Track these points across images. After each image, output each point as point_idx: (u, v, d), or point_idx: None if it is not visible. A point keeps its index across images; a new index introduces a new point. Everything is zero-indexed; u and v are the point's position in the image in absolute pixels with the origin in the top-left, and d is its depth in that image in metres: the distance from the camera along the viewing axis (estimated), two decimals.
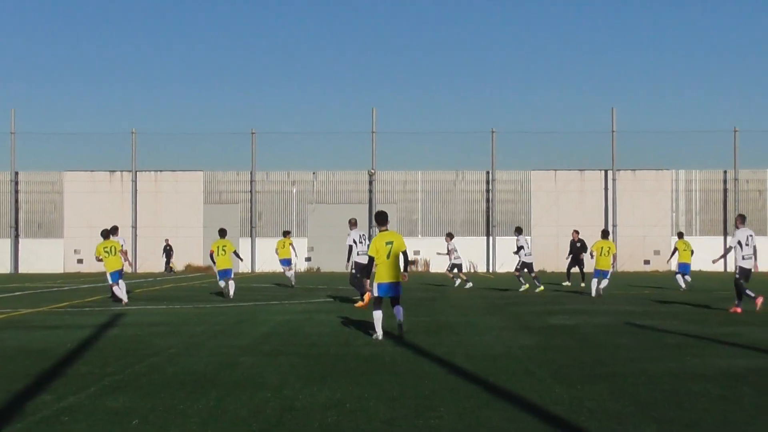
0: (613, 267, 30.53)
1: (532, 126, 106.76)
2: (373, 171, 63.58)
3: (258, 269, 62.96)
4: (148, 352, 14.11)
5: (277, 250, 38.70)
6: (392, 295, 16.45)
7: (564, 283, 39.25)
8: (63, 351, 14.33)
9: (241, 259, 36.02)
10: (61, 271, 63.48)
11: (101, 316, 21.54)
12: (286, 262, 38.32)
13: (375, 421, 8.69)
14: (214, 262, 29.76)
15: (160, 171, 65.46)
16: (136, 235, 63.56)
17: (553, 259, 62.53)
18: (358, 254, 25.50)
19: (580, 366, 12.42)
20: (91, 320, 20.24)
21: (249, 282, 42.88)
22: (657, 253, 63.05)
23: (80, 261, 63.90)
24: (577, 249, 39.93)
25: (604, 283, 29.59)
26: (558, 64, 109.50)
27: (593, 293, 29.08)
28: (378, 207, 62.93)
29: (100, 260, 26.33)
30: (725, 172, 64.50)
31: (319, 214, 64.32)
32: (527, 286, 33.72)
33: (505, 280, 45.00)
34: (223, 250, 29.50)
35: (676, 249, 36.77)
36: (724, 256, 25.18)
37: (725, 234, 63.14)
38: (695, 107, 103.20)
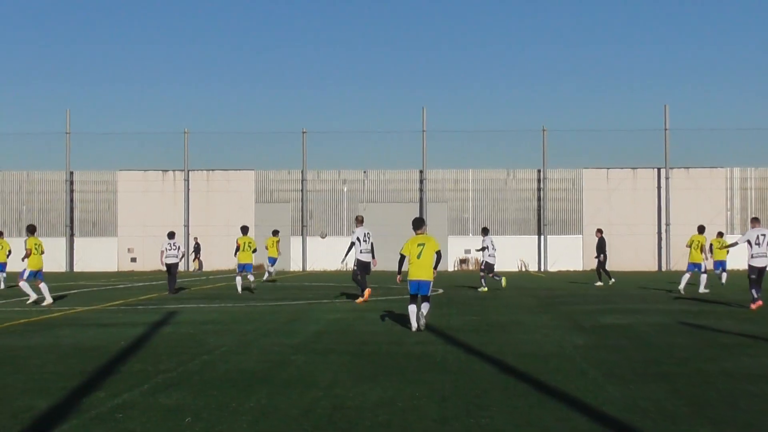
0: (706, 260, 32.20)
1: (584, 124, 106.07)
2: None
3: (309, 268, 63.15)
4: (201, 350, 14.20)
5: (266, 247, 42.86)
6: (421, 293, 17.55)
7: (596, 284, 38.61)
8: (117, 349, 14.45)
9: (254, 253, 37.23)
10: (114, 269, 64.12)
11: (155, 314, 21.71)
12: (273, 260, 42.81)
13: (426, 420, 8.67)
14: (236, 256, 32.27)
15: (212, 170, 65.87)
16: (188, 234, 63.97)
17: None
18: (360, 252, 26.01)
19: (634, 365, 12.32)
20: (145, 318, 20.40)
21: (300, 281, 43.00)
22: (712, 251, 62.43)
23: (134, 260, 64.54)
24: (600, 247, 39.05)
25: (704, 278, 31.71)
26: (610, 62, 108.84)
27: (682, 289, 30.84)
28: (429, 206, 63.01)
29: (27, 256, 26.94)
30: None
31: (370, 213, 64.38)
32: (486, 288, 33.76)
33: (556, 279, 44.75)
34: (249, 246, 32.19)
35: (711, 245, 37.87)
36: (729, 246, 27.12)
37: None
38: (750, 104, 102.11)
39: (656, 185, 63.39)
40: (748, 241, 23.85)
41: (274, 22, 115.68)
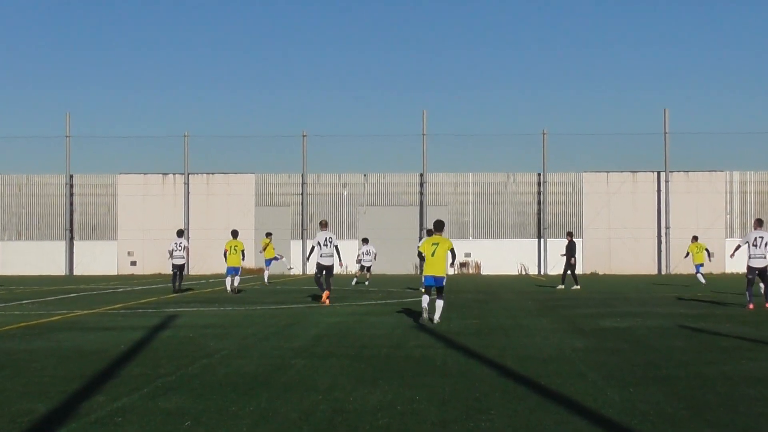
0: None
1: (584, 127, 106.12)
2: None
3: (309, 271, 63.16)
4: (201, 353, 14.20)
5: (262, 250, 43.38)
6: (436, 285, 19.94)
7: (558, 287, 38.16)
8: (116, 352, 14.46)
9: (244, 259, 37.66)
10: (114, 273, 64.13)
11: (154, 317, 21.71)
12: (269, 262, 43.50)
13: (426, 423, 8.68)
14: (225, 259, 33.82)
15: (212, 174, 65.90)
16: (188, 238, 64.02)
17: (605, 262, 62.25)
18: (321, 256, 27.03)
19: (633, 368, 12.33)
20: (144, 322, 20.40)
21: (300, 284, 43.00)
22: (711, 255, 62.52)
23: (134, 263, 64.57)
24: (570, 251, 38.44)
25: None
26: (609, 65, 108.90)
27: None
28: (429, 209, 63.03)
29: None
30: None
31: (370, 217, 64.43)
32: (362, 284, 37.03)
33: (557, 282, 44.76)
34: (234, 249, 33.74)
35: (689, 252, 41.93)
36: (735, 250, 27.06)
37: None
38: (749, 108, 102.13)
39: (656, 189, 63.42)
40: (748, 243, 24.69)
41: (275, 25, 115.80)
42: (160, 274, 61.40)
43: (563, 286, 37.61)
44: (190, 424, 8.65)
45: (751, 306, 24.40)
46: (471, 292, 35.00)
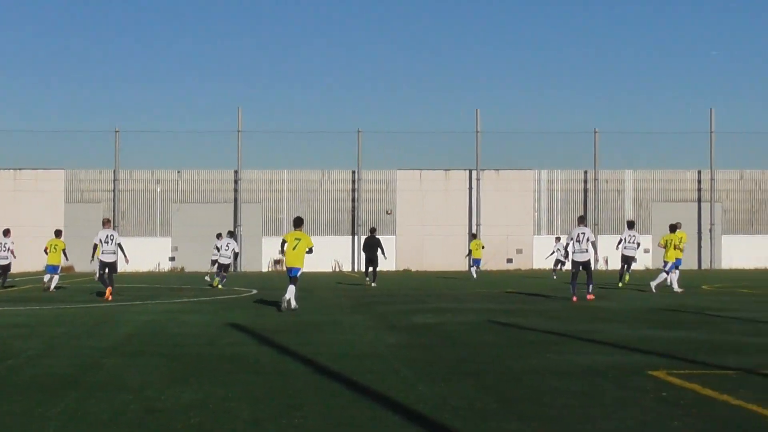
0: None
1: (399, 126, 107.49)
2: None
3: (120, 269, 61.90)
4: (5, 354, 13.73)
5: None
6: (291, 275, 22.79)
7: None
8: None
9: (67, 259, 37.76)
10: None
11: None
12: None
13: (239, 421, 8.62)
14: (46, 255, 33.63)
15: (20, 169, 63.91)
16: None
17: (418, 259, 63.12)
18: (103, 253, 27.37)
19: (445, 364, 12.53)
20: None
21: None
22: (520, 251, 64.16)
23: None
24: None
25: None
26: (420, 64, 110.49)
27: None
28: (243, 206, 62.70)
29: None
30: (585, 172, 65.96)
31: (183, 214, 63.65)
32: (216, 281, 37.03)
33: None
34: (55, 248, 33.67)
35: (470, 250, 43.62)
36: (566, 254, 28.71)
37: None
38: (557, 109, 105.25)
39: (468, 186, 64.66)
40: (572, 239, 26.13)
41: (77, 18, 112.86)
42: None
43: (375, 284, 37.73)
44: None
45: (575, 299, 25.71)
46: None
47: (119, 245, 27.87)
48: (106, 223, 29.20)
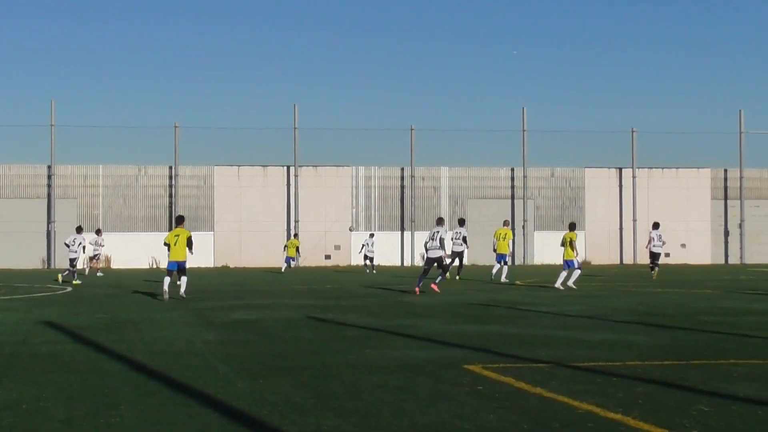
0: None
1: (217, 121, 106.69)
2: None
3: None
4: None
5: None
6: (177, 269, 25.55)
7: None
8: None
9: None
10: None
11: None
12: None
13: (53, 421, 8.48)
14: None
15: None
16: None
17: (236, 255, 62.82)
18: None
19: (262, 360, 12.58)
20: None
21: None
22: (338, 248, 64.47)
23: None
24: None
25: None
26: (237, 57, 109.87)
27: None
28: (57, 202, 61.19)
29: None
30: (402, 169, 66.76)
31: None
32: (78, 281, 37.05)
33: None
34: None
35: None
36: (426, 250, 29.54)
37: (402, 229, 65.35)
38: (374, 105, 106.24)
39: (286, 182, 64.65)
40: (431, 238, 28.32)
41: None
42: None
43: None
44: None
45: (417, 290, 27.67)
46: (101, 286, 34.37)
47: None
48: None
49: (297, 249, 51.83)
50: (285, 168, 64.99)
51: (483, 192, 67.25)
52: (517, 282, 35.80)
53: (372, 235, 53.70)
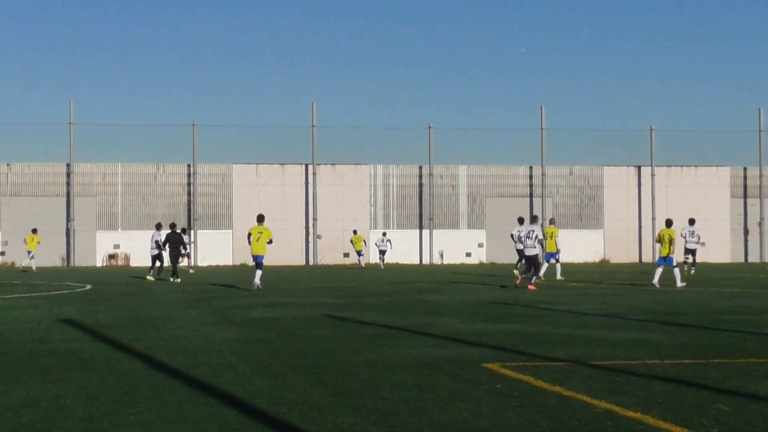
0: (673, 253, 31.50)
1: (235, 119, 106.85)
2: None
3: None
4: None
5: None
6: (258, 262, 29.18)
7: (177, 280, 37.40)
8: None
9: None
10: None
11: None
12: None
13: (73, 418, 8.50)
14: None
15: None
16: None
17: None
18: None
19: (281, 358, 12.58)
20: None
21: None
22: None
23: None
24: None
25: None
26: (255, 56, 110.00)
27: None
28: (76, 200, 61.43)
29: None
30: (420, 167, 66.74)
31: (13, 207, 61.92)
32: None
33: (207, 273, 44.82)
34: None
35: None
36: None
37: (420, 227, 65.34)
38: (393, 104, 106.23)
39: (304, 181, 64.72)
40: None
41: None
42: None
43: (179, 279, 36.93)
44: None
45: (519, 281, 30.09)
46: (120, 284, 34.48)
47: None
48: None
49: (363, 242, 56.38)
50: (303, 166, 65.08)
51: (501, 190, 67.20)
52: (561, 278, 36.85)
53: (384, 234, 57.08)
